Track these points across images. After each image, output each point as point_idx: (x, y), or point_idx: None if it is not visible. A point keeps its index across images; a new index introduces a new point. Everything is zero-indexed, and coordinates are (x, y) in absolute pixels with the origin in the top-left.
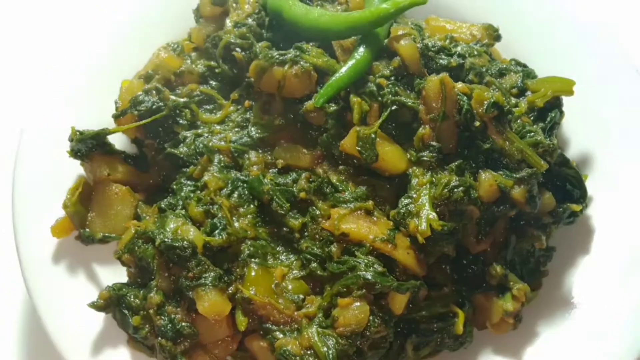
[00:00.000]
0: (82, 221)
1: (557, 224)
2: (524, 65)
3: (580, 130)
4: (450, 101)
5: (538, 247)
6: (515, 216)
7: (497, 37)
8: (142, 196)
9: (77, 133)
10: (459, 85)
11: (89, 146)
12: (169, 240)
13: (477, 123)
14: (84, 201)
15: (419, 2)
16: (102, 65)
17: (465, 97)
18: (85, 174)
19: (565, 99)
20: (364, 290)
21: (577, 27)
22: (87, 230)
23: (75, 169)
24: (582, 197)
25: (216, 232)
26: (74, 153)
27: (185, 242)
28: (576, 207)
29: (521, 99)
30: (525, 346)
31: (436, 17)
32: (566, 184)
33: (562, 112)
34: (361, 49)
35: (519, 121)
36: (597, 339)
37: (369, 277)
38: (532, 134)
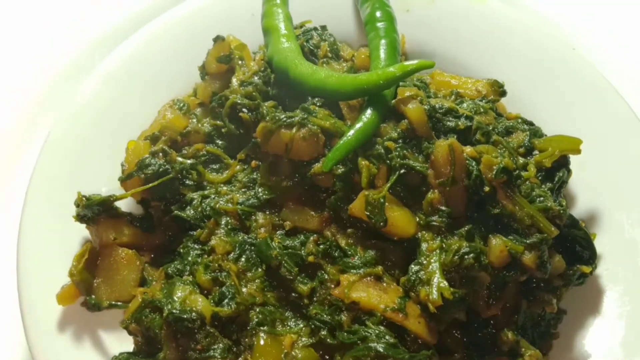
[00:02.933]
0: (88, 288)
1: (568, 286)
2: (531, 123)
3: (586, 187)
4: (459, 166)
5: (549, 311)
6: (525, 280)
7: (503, 93)
8: (147, 257)
9: (84, 199)
10: (468, 149)
11: (95, 211)
12: (177, 312)
13: (487, 188)
14: (90, 267)
15: (426, 66)
16: (107, 123)
17: (474, 162)
18: (90, 237)
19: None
20: None
21: (581, 81)
22: (94, 297)
23: (80, 231)
24: (591, 258)
25: (225, 301)
26: (80, 218)
27: (193, 313)
28: (586, 269)
29: (529, 158)
30: None
31: (441, 72)
32: (575, 245)
33: (569, 171)
34: (368, 112)
35: (527, 182)
36: None
37: (381, 350)
38: (542, 198)
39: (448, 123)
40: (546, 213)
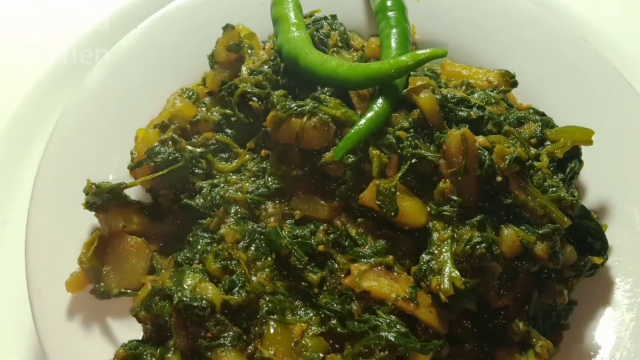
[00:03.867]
0: (97, 275)
1: (579, 277)
2: (542, 114)
3: (598, 178)
4: (471, 156)
5: (560, 302)
6: (536, 270)
7: (514, 84)
8: (156, 246)
9: (93, 187)
10: (480, 139)
11: (104, 199)
12: (188, 299)
13: (499, 178)
14: (99, 254)
15: (438, 54)
16: (115, 111)
17: (486, 152)
18: (100, 225)
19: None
20: (386, 352)
21: (593, 73)
22: (103, 284)
23: (90, 219)
24: (603, 249)
25: (235, 289)
26: (89, 205)
27: (204, 301)
28: (598, 260)
29: (540, 149)
30: None
31: (452, 62)
32: (587, 236)
33: (581, 162)
34: (380, 101)
35: (539, 173)
36: None
37: (392, 339)
38: (554, 188)
39: (460, 113)
40: (558, 203)
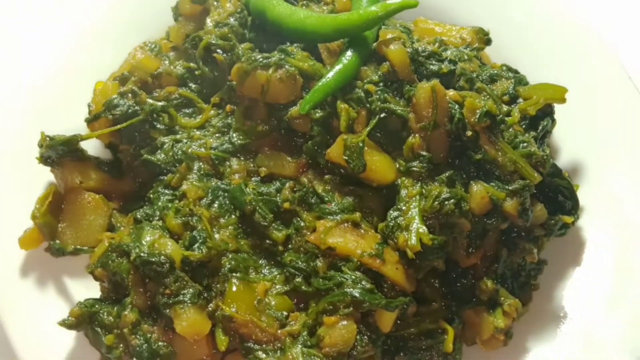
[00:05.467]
0: (52, 232)
1: (549, 236)
2: (516, 71)
3: (571, 138)
4: (441, 109)
5: (530, 260)
6: (506, 228)
7: (488, 41)
8: (116, 205)
9: (47, 139)
10: (451, 92)
11: (59, 152)
12: (145, 255)
13: (469, 133)
14: (54, 211)
15: (409, 5)
16: (74, 65)
17: (456, 106)
18: (55, 181)
19: (556, 106)
20: (351, 308)
21: (568, 31)
22: (58, 242)
23: (45, 176)
24: (574, 208)
25: (195, 245)
26: (44, 159)
27: (162, 256)
28: (568, 219)
29: (513, 106)
30: None
31: (425, 19)
32: (558, 195)
33: (554, 120)
34: (349, 53)
35: (510, 130)
36: (589, 354)
37: (357, 295)
38: (525, 144)
39: (431, 66)
40: (529, 159)
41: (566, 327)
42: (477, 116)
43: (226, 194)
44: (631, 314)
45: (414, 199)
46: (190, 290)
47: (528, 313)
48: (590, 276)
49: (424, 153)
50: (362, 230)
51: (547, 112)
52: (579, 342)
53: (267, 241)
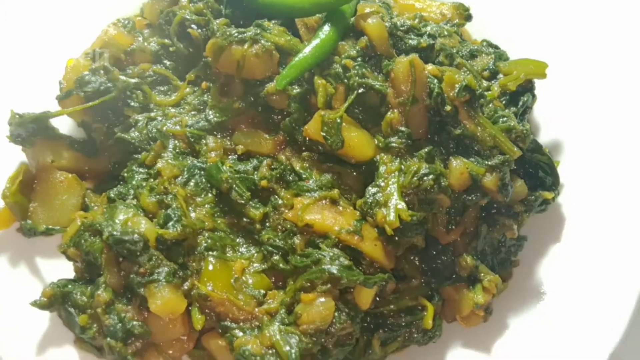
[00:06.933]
0: (23, 212)
1: (529, 212)
2: (496, 47)
3: (552, 115)
4: (420, 84)
5: (509, 236)
6: (486, 205)
7: (468, 17)
8: (90, 184)
9: (17, 116)
10: (429, 67)
11: (30, 130)
12: (118, 233)
13: (448, 107)
14: (26, 190)
15: None
16: (45, 42)
17: (435, 80)
18: (27, 160)
19: (537, 82)
20: (329, 285)
21: (549, 7)
22: (29, 221)
23: (16, 155)
24: (554, 184)
25: (170, 223)
26: (14, 138)
27: (135, 235)
28: (548, 195)
29: (493, 82)
30: (495, 339)
31: None
32: (538, 171)
33: (534, 96)
34: (326, 28)
35: (490, 105)
36: (568, 330)
37: (334, 272)
38: (505, 119)
39: (410, 41)
40: (509, 134)
41: (546, 303)
42: (456, 90)
43: (202, 172)
44: (610, 289)
45: (392, 175)
46: (165, 269)
47: (508, 289)
48: (570, 252)
49: (403, 129)
50: (341, 207)
51: (527, 88)
52: (559, 318)
53: (245, 219)
